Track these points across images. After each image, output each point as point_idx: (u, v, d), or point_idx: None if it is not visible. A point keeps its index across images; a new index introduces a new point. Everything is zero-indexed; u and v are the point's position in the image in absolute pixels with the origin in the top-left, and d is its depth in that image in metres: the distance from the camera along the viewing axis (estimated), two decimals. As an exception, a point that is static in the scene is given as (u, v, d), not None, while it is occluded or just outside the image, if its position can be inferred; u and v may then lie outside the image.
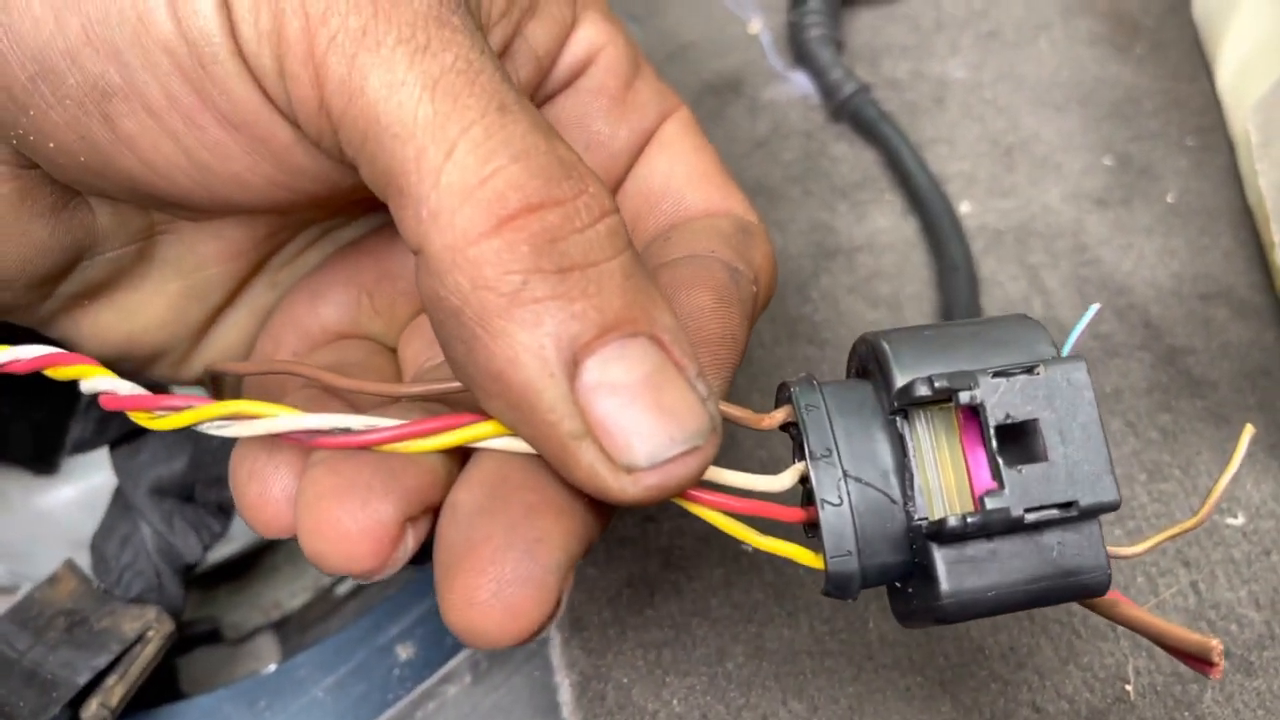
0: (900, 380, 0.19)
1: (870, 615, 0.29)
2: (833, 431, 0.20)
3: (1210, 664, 0.19)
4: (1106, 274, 0.35)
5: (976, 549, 0.19)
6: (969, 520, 0.18)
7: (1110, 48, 0.42)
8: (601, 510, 0.20)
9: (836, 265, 0.36)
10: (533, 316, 0.17)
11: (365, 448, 0.20)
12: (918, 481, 0.19)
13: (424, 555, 0.21)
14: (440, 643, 0.30)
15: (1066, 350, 0.21)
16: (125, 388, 0.20)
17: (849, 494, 0.19)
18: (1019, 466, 0.19)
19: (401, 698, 0.29)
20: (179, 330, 0.26)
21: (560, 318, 0.17)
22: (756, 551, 0.25)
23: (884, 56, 0.42)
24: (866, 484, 0.19)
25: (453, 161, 0.17)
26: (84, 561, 0.30)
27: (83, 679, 0.26)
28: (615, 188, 0.26)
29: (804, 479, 0.20)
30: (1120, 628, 0.28)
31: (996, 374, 0.19)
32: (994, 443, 0.19)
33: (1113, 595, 0.20)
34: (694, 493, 0.19)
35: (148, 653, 0.26)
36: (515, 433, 0.19)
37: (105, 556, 0.30)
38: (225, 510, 0.33)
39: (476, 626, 0.19)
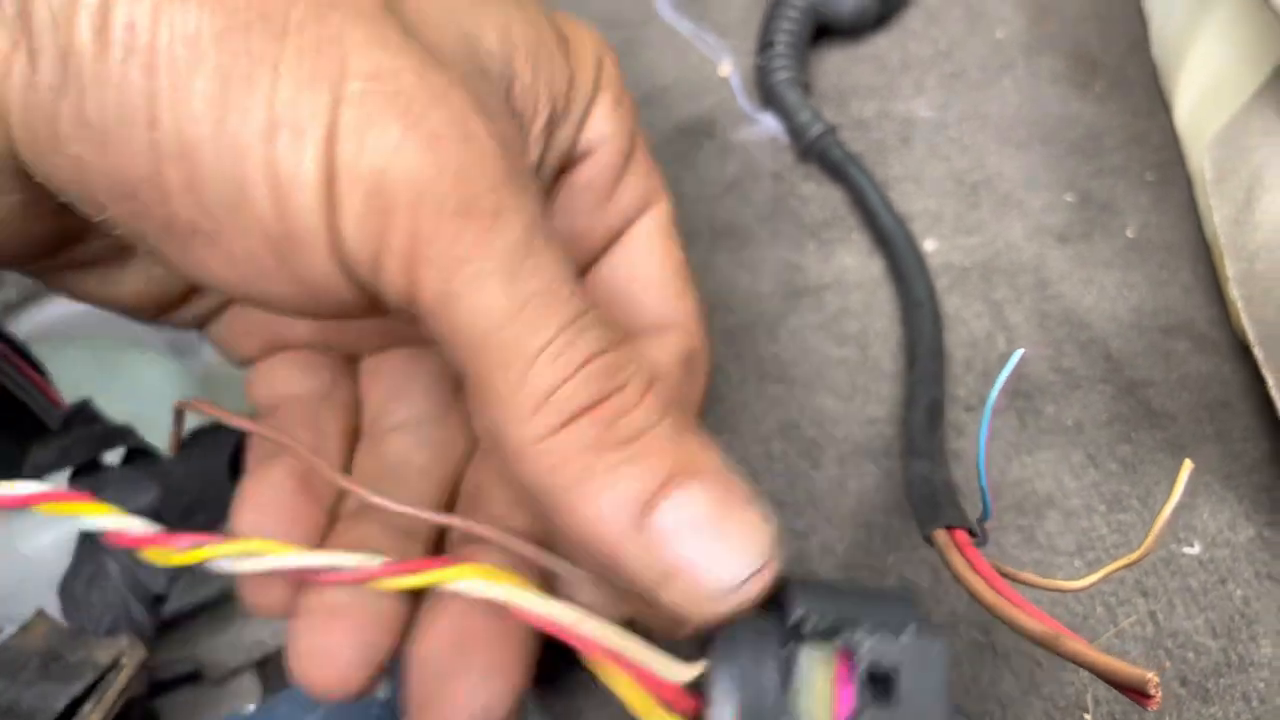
0: (794, 615, 0.22)
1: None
2: (738, 652, 0.21)
3: (1146, 696, 0.20)
4: (1068, 308, 0.36)
5: None
6: None
7: (1071, 86, 0.43)
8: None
9: (804, 304, 0.37)
10: (605, 487, 0.20)
11: (359, 582, 0.23)
12: (793, 703, 0.21)
13: None
14: (416, 680, 0.31)
15: (993, 396, 0.22)
16: (135, 526, 0.22)
17: (736, 703, 0.21)
18: (871, 708, 0.21)
19: (381, 734, 0.30)
20: (160, 295, 0.27)
21: (627, 482, 0.20)
22: None
23: (851, 97, 0.43)
24: (755, 687, 0.21)
25: (532, 375, 0.20)
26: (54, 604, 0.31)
27: (59, 705, 0.26)
28: (584, 272, 0.28)
29: (701, 676, 0.22)
30: (1080, 657, 0.29)
31: (875, 629, 0.22)
32: (862, 682, 0.21)
33: (1055, 628, 0.21)
34: (621, 662, 0.21)
35: (121, 678, 0.27)
36: (606, 578, 0.22)
37: (74, 595, 0.31)
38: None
39: None
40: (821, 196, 0.40)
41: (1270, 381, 0.31)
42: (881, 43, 0.45)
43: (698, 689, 0.22)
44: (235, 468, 0.30)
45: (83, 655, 0.28)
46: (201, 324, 0.30)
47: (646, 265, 0.28)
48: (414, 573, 0.23)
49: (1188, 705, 0.28)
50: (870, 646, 0.22)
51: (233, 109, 0.19)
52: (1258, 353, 0.31)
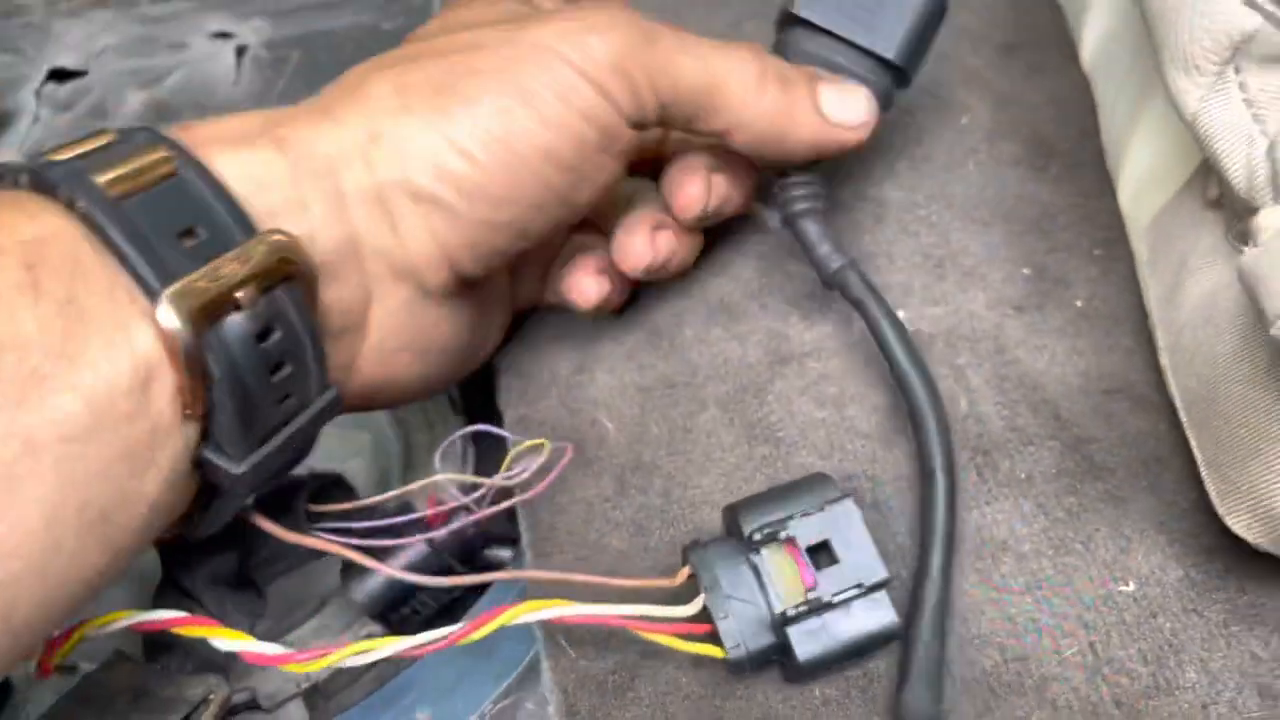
0: (746, 531, 0.33)
1: (815, 685, 0.34)
2: (716, 573, 0.33)
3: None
4: (1024, 372, 0.41)
5: (812, 624, 0.32)
6: (799, 608, 0.32)
7: (1029, 169, 0.48)
8: None
9: (789, 370, 0.42)
10: (804, 109, 0.38)
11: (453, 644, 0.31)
12: (771, 591, 0.32)
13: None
14: (454, 707, 0.35)
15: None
16: (267, 649, 0.30)
17: (732, 609, 0.32)
18: (825, 569, 0.32)
19: (420, 756, 0.34)
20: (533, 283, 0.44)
21: (809, 97, 0.38)
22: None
23: (829, 179, 0.48)
24: (741, 600, 0.32)
25: (745, 77, 0.36)
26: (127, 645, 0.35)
27: (156, 738, 0.30)
28: None
29: (705, 606, 0.32)
30: (1028, 682, 0.33)
31: (803, 515, 0.33)
32: (806, 558, 0.32)
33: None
34: (648, 626, 0.32)
35: (209, 713, 0.31)
36: (812, 157, 0.40)
37: (159, 636, 0.35)
38: (261, 592, 0.38)
39: None
40: (803, 273, 0.45)
41: (1192, 442, 0.35)
42: (859, 129, 0.50)
43: (702, 618, 0.32)
44: (307, 513, 0.34)
45: (173, 692, 0.32)
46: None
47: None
48: (484, 624, 0.31)
49: (1121, 724, 0.32)
50: (800, 530, 0.33)
51: (543, 100, 0.33)
52: (1183, 416, 0.36)
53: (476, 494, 0.37)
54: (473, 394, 0.52)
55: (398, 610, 0.38)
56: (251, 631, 0.35)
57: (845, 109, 0.38)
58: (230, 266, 0.27)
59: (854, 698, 0.33)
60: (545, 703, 0.35)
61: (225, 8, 0.69)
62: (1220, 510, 0.33)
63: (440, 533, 0.37)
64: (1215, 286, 0.36)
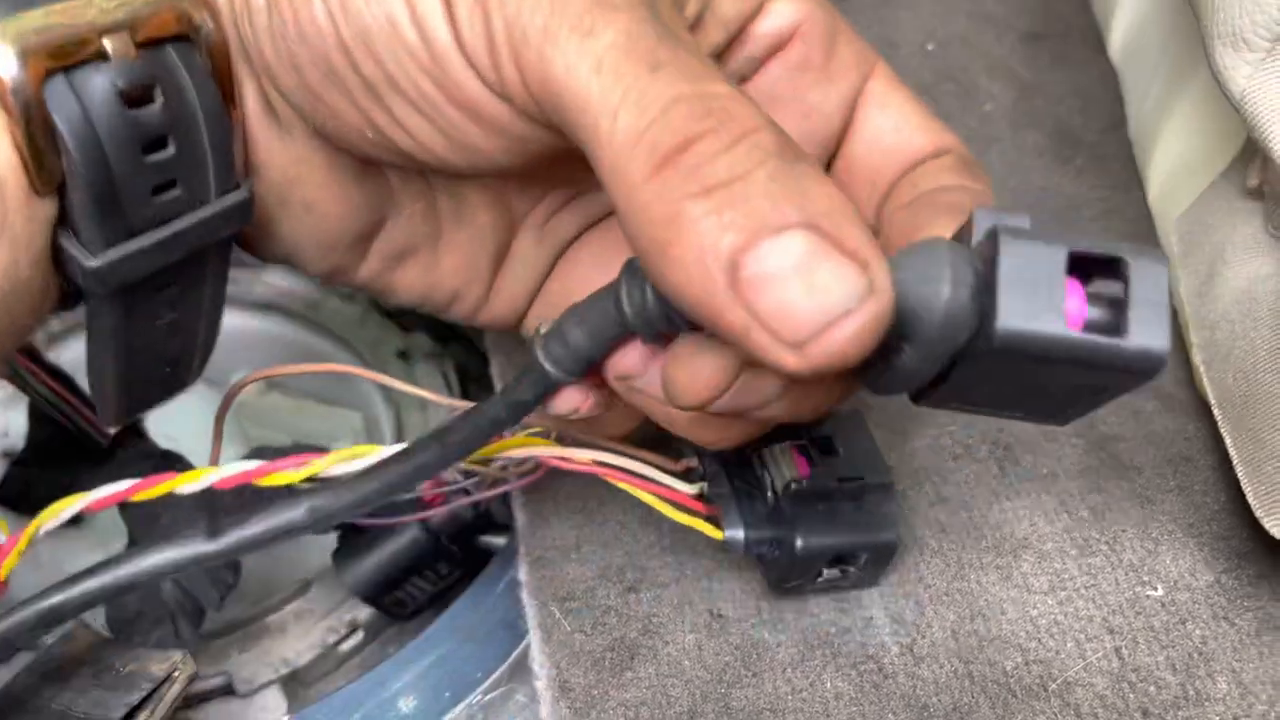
0: None
1: (826, 676, 0.32)
2: (719, 464, 0.32)
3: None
4: (1046, 366, 0.39)
5: (812, 516, 0.31)
6: (798, 485, 0.30)
7: (1055, 159, 0.46)
8: None
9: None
10: (690, 236, 0.20)
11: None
12: (771, 481, 0.31)
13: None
14: (440, 695, 0.33)
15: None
16: (243, 465, 0.27)
17: (733, 494, 0.31)
18: (827, 460, 0.31)
19: (404, 746, 0.32)
20: (470, 273, 0.32)
21: (712, 231, 0.20)
22: (722, 613, 0.33)
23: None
24: (744, 488, 0.31)
25: (617, 125, 0.21)
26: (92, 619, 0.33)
27: (117, 715, 0.28)
28: (835, 145, 0.31)
29: (703, 489, 0.32)
30: (1051, 686, 0.31)
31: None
32: (811, 451, 0.31)
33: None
34: (640, 483, 0.31)
35: (174, 691, 0.29)
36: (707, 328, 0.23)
37: (124, 607, 0.33)
38: (235, 565, 0.36)
39: None
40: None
41: (1228, 440, 0.34)
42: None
43: (701, 498, 0.31)
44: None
45: (135, 667, 0.30)
46: (519, 320, 0.34)
47: (903, 116, 0.30)
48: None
49: (1148, 734, 0.31)
50: (809, 430, 0.31)
51: None
52: (1217, 414, 0.34)
53: (474, 479, 0.35)
54: (467, 374, 0.50)
55: (390, 594, 0.36)
56: (221, 604, 0.33)
57: (775, 293, 0.20)
58: (99, 6, 0.23)
59: (867, 692, 0.32)
60: (537, 696, 0.33)
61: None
62: (1258, 511, 0.32)
63: (438, 511, 0.35)
64: (1254, 278, 0.35)
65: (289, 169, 0.28)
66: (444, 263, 0.31)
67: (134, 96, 0.23)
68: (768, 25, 0.29)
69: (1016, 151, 0.46)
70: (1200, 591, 0.33)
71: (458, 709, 0.32)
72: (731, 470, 0.32)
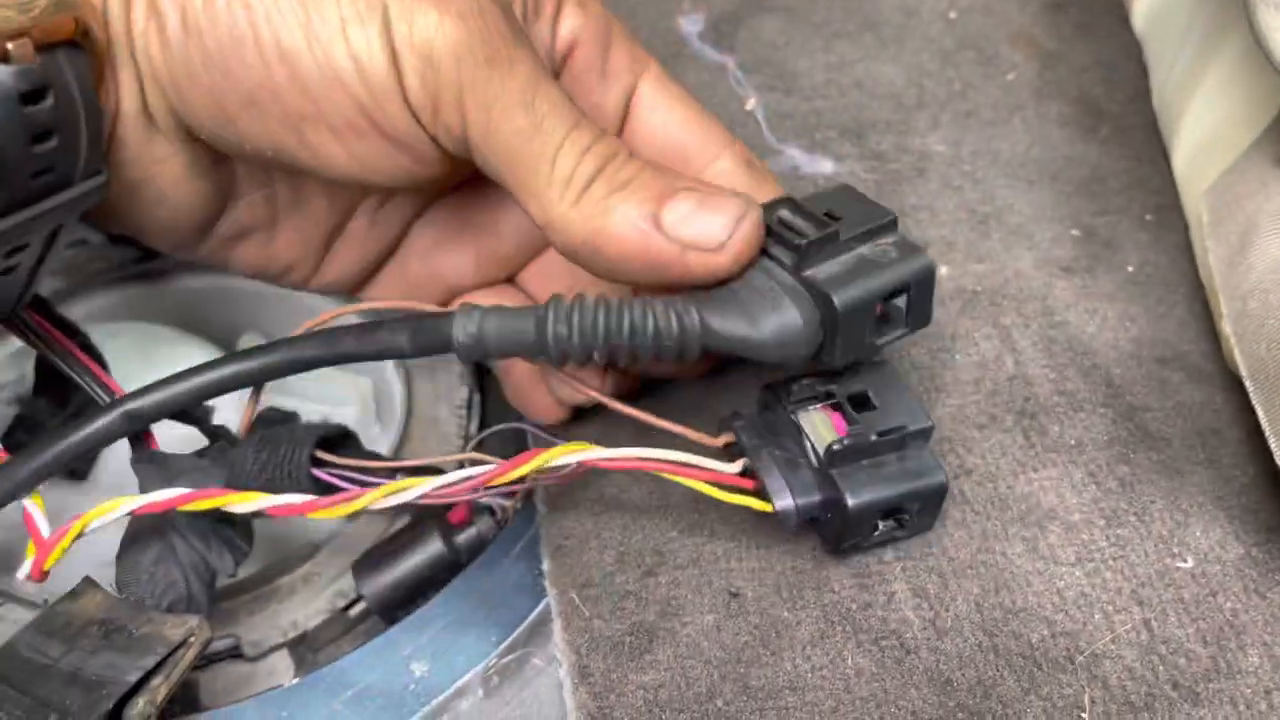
0: (784, 398, 0.32)
1: (847, 653, 0.31)
2: (758, 435, 0.32)
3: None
4: (1073, 335, 0.39)
5: (858, 474, 0.31)
6: (845, 442, 0.30)
7: (1078, 129, 0.46)
8: None
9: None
10: (624, 214, 0.29)
11: (481, 486, 0.30)
12: (813, 446, 0.31)
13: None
14: (452, 660, 0.32)
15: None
16: (292, 500, 0.28)
17: (778, 464, 0.31)
18: (865, 414, 0.32)
19: (416, 711, 0.31)
20: (303, 250, 0.35)
21: (637, 205, 0.29)
22: (740, 592, 0.33)
23: (869, 131, 0.45)
24: (786, 456, 0.32)
25: (557, 166, 0.29)
26: (101, 579, 0.32)
27: (132, 678, 0.27)
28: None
29: (746, 465, 0.32)
30: (1078, 659, 0.31)
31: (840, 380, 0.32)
32: (847, 408, 0.32)
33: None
34: (684, 471, 0.31)
35: (189, 656, 0.28)
36: (659, 281, 0.30)
37: (136, 570, 0.32)
38: (249, 529, 0.35)
39: None
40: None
41: (1260, 412, 0.33)
42: (898, 81, 0.47)
43: (746, 475, 0.32)
44: (314, 459, 0.31)
45: (150, 630, 0.29)
46: (357, 287, 0.37)
47: (667, 113, 0.34)
48: (520, 465, 0.30)
49: (1179, 708, 0.30)
50: (838, 388, 0.32)
51: (313, 17, 0.27)
52: (1249, 385, 0.34)
53: (505, 501, 0.36)
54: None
55: (405, 609, 0.35)
56: (234, 571, 0.32)
57: (694, 225, 0.29)
58: (4, 13, 0.25)
59: (889, 668, 0.31)
60: (553, 659, 0.32)
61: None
62: (1292, 483, 0.31)
63: (463, 537, 0.36)
64: (1289, 247, 0.34)
65: (150, 166, 0.30)
66: (278, 241, 0.34)
67: (29, 96, 0.26)
68: (560, 41, 0.33)
69: (1040, 121, 0.46)
70: (1231, 564, 0.33)
71: (471, 674, 0.32)
72: (769, 440, 0.32)
